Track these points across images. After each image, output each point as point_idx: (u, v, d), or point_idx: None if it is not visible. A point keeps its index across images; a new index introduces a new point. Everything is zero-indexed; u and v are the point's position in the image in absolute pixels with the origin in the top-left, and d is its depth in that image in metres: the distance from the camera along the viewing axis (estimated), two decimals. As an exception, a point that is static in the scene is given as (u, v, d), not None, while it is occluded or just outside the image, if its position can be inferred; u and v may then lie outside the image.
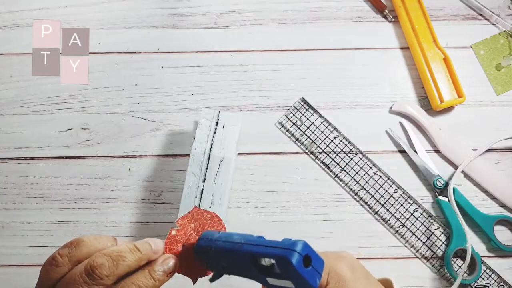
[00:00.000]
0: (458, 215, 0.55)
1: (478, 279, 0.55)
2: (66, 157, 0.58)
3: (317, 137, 0.59)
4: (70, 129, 0.59)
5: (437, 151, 0.59)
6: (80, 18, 0.62)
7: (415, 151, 0.58)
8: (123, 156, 0.59)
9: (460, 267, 0.56)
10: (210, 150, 0.51)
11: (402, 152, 0.59)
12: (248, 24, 0.62)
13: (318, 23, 0.63)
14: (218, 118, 0.53)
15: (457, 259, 0.56)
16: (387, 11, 0.62)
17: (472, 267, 0.56)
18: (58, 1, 0.62)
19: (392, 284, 0.41)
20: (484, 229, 0.56)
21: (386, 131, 0.60)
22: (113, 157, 0.59)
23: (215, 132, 0.52)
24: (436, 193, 0.57)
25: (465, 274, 0.56)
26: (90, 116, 0.60)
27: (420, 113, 0.59)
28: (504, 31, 0.62)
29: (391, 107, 0.60)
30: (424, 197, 0.58)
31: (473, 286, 0.56)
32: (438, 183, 0.57)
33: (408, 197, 0.58)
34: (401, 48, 0.62)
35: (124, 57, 0.61)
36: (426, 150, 0.59)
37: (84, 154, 0.59)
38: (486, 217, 0.56)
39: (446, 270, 0.56)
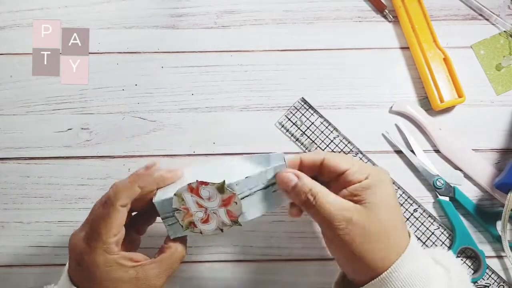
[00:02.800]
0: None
1: (483, 276, 0.55)
2: (66, 157, 0.59)
3: (317, 137, 0.59)
4: (70, 129, 0.59)
5: (437, 151, 0.59)
6: (80, 18, 0.62)
7: (412, 152, 0.58)
8: (123, 156, 0.59)
9: (469, 266, 0.56)
10: (243, 198, 0.45)
11: (402, 152, 0.59)
12: (248, 24, 0.62)
13: (318, 23, 0.63)
14: None
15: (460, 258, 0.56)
16: (387, 11, 0.62)
17: (477, 266, 0.56)
18: (58, 1, 0.62)
19: (410, 234, 0.44)
20: (488, 227, 0.56)
21: (383, 134, 0.59)
22: (113, 157, 0.59)
23: None
24: (437, 193, 0.57)
25: (472, 273, 0.56)
26: (90, 116, 0.60)
27: (420, 113, 0.59)
28: (504, 31, 0.62)
29: (391, 107, 0.60)
30: (425, 197, 0.58)
31: (474, 286, 0.56)
32: (438, 183, 0.57)
33: (408, 197, 0.58)
34: (401, 48, 0.62)
35: (124, 57, 0.61)
36: (426, 150, 0.59)
37: (84, 154, 0.59)
38: (489, 213, 0.57)
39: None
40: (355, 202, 0.42)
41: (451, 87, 0.59)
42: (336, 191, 0.44)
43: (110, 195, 0.43)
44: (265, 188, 0.45)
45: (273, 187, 0.45)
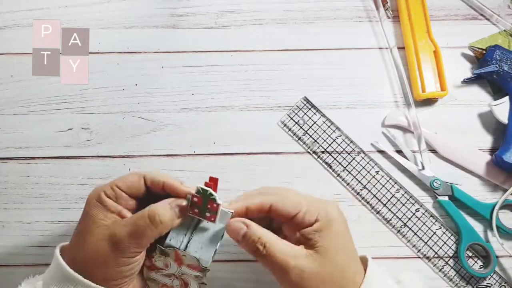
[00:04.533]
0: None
1: (495, 268, 0.56)
2: (66, 157, 0.58)
3: (320, 136, 0.59)
4: (70, 129, 0.59)
5: (433, 150, 0.59)
6: (80, 18, 0.62)
7: (412, 151, 0.59)
8: (123, 156, 0.59)
9: (475, 262, 0.56)
10: (186, 247, 0.44)
11: (402, 152, 0.59)
12: (248, 24, 0.63)
13: (318, 23, 0.63)
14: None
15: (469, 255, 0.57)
16: (388, 6, 0.62)
17: (487, 261, 0.57)
18: (58, 1, 0.62)
19: (367, 260, 0.45)
20: (490, 221, 0.57)
21: (383, 133, 0.59)
22: (114, 157, 0.59)
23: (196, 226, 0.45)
24: (436, 194, 0.57)
25: (481, 268, 0.57)
26: (91, 116, 0.60)
27: (413, 122, 0.59)
28: (504, 30, 0.62)
29: (384, 121, 0.60)
30: (425, 197, 0.58)
31: (475, 286, 0.56)
32: (435, 184, 0.57)
33: (410, 196, 0.58)
34: (401, 48, 0.62)
35: (124, 57, 0.61)
36: (422, 151, 0.58)
37: (84, 154, 0.59)
38: (490, 206, 0.57)
39: (451, 268, 0.56)
40: (308, 246, 0.42)
41: (435, 79, 0.60)
42: (290, 233, 0.44)
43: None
44: (196, 224, 0.45)
45: (202, 221, 0.45)
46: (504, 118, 0.57)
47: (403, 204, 0.58)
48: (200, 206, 0.43)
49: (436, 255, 0.57)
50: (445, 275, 0.56)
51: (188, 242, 0.44)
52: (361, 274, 0.43)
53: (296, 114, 0.60)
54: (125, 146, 0.59)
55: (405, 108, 0.60)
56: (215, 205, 0.43)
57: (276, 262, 0.42)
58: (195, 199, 0.43)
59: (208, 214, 0.43)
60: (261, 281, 0.56)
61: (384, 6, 0.62)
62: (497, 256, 0.56)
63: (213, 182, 0.43)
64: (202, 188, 0.42)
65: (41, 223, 0.57)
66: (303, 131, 0.59)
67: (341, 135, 0.59)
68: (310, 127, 0.59)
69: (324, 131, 0.59)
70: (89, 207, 0.44)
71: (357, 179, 0.58)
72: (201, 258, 0.44)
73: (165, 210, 0.43)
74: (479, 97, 0.61)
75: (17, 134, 0.59)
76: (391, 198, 0.58)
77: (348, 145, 0.59)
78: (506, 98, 0.58)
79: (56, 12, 0.62)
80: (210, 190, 0.42)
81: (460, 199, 0.57)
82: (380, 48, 0.62)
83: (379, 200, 0.58)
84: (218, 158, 0.59)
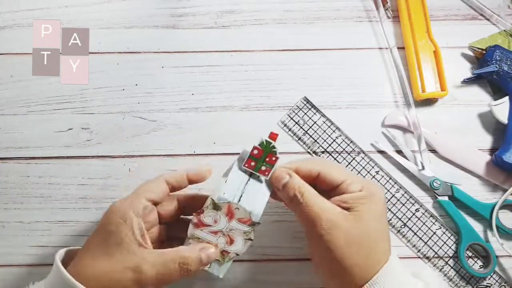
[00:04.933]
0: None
1: (495, 268, 0.56)
2: (66, 157, 0.58)
3: (320, 136, 0.59)
4: (70, 129, 0.59)
5: (433, 150, 0.59)
6: (80, 18, 0.62)
7: (412, 151, 0.59)
8: (123, 156, 0.59)
9: (475, 262, 0.56)
10: (239, 200, 0.45)
11: (402, 152, 0.59)
12: (249, 24, 0.63)
13: (318, 23, 0.63)
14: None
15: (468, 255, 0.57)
16: (388, 6, 0.62)
17: (487, 261, 0.57)
18: (58, 1, 0.62)
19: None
20: (490, 222, 0.56)
21: (383, 133, 0.60)
22: (114, 157, 0.59)
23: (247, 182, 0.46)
24: (436, 194, 0.57)
25: (481, 268, 0.57)
26: (91, 116, 0.60)
27: (413, 122, 0.59)
28: (504, 30, 0.62)
29: (384, 121, 0.60)
30: (425, 197, 0.58)
31: (475, 286, 0.56)
32: (434, 184, 0.57)
33: (410, 197, 0.58)
34: (401, 48, 0.62)
35: (124, 57, 0.61)
36: (422, 151, 0.58)
37: (84, 154, 0.59)
38: (490, 206, 0.57)
39: (451, 268, 0.56)
40: (343, 208, 0.43)
41: (435, 79, 0.60)
42: (328, 199, 0.44)
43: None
44: (249, 178, 0.46)
45: (255, 174, 0.46)
46: (504, 118, 0.57)
47: (403, 204, 0.58)
48: (258, 159, 0.45)
49: (436, 255, 0.57)
50: (445, 275, 0.56)
51: (241, 195, 0.45)
52: (387, 255, 0.43)
53: (296, 114, 0.60)
54: (125, 146, 0.59)
55: (405, 108, 0.60)
56: (274, 158, 0.45)
57: (309, 211, 0.42)
58: (256, 151, 0.45)
59: (263, 168, 0.45)
60: (261, 281, 0.56)
61: (384, 6, 0.62)
62: (497, 256, 0.56)
63: (273, 137, 0.45)
64: (266, 140, 0.44)
65: (41, 223, 0.57)
66: (303, 131, 0.59)
67: (341, 135, 0.59)
68: (310, 127, 0.59)
69: (324, 131, 0.59)
70: (115, 223, 0.43)
71: (357, 179, 0.58)
72: (252, 212, 0.45)
73: (194, 261, 0.43)
74: (479, 97, 0.61)
75: (17, 134, 0.59)
76: (391, 198, 0.58)
77: (348, 145, 0.59)
78: (506, 98, 0.58)
79: (56, 12, 0.62)
80: (274, 142, 0.44)
81: (460, 199, 0.57)
82: (380, 48, 0.62)
83: (379, 200, 0.58)
84: (218, 158, 0.59)
